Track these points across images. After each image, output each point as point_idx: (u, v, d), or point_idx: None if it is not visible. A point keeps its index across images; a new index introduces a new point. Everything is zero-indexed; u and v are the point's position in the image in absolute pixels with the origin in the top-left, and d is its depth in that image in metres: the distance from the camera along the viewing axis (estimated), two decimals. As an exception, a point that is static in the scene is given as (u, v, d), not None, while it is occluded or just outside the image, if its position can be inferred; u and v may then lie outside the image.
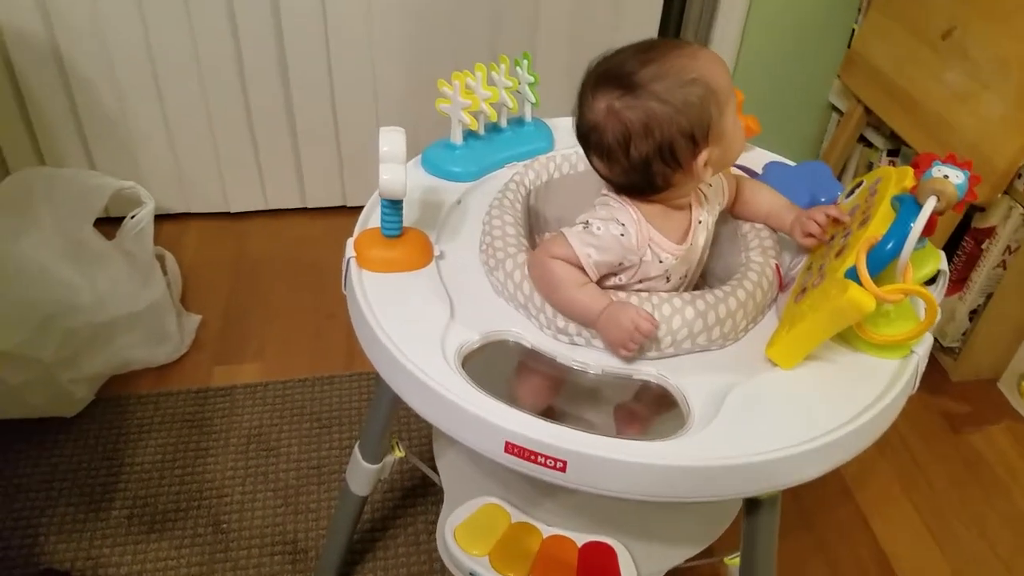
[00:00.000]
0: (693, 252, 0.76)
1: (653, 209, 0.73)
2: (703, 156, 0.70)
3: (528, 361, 0.72)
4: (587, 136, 0.72)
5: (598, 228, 0.71)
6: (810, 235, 0.77)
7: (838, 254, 0.71)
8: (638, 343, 0.67)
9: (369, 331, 0.71)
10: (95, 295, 1.29)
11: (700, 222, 0.76)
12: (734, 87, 0.72)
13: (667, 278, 0.75)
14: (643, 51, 0.70)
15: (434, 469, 1.00)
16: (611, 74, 0.69)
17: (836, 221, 0.76)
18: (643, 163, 0.69)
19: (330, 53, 1.59)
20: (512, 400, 0.64)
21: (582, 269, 0.71)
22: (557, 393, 0.73)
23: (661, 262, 0.73)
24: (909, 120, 1.44)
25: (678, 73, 0.68)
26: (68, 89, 1.55)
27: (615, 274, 0.74)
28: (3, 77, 1.52)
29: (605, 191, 0.75)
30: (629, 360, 0.69)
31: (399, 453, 0.97)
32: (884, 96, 1.51)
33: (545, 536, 0.87)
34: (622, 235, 0.71)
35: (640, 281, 0.75)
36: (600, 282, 0.73)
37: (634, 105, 0.68)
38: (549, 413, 0.64)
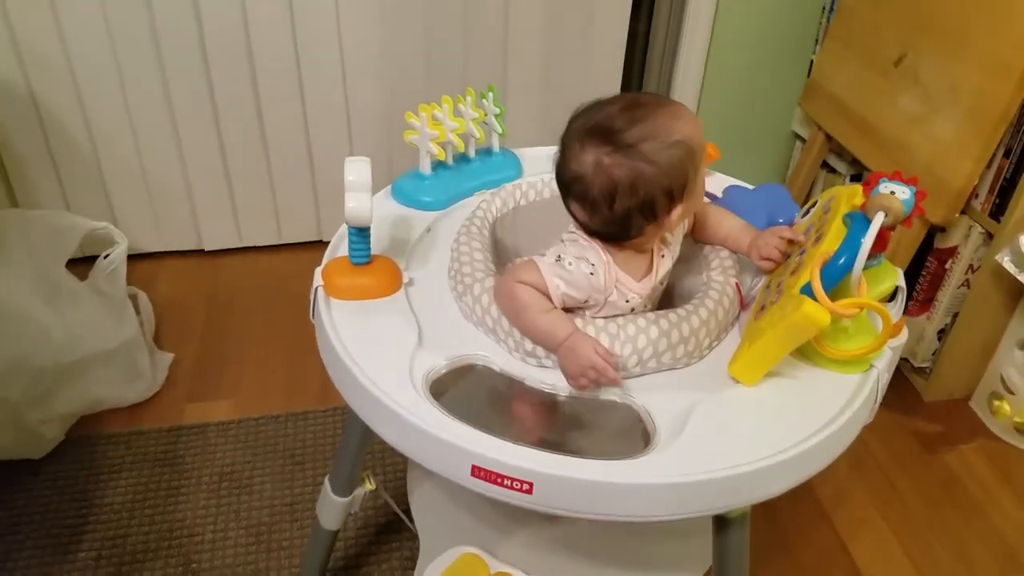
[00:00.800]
0: (656, 287, 0.78)
1: (621, 253, 0.74)
2: (677, 211, 0.72)
3: (496, 384, 0.72)
4: (569, 185, 0.73)
5: (570, 264, 0.72)
6: (767, 259, 0.79)
7: (794, 272, 0.72)
8: (592, 380, 0.68)
9: (335, 358, 0.71)
10: (66, 334, 1.28)
11: (663, 256, 0.77)
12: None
13: (632, 309, 0.76)
14: (630, 108, 0.71)
15: (407, 507, 0.99)
16: (600, 129, 0.70)
17: (791, 242, 0.78)
18: (624, 216, 0.71)
19: (303, 88, 1.61)
20: (481, 423, 0.64)
21: (548, 297, 0.72)
22: (525, 415, 0.73)
23: (627, 301, 0.74)
24: (867, 145, 1.47)
25: (664, 134, 0.69)
26: (42, 130, 1.56)
27: (581, 309, 0.74)
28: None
29: (573, 229, 0.76)
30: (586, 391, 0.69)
31: (370, 486, 0.96)
32: (843, 122, 1.54)
33: (526, 582, 0.86)
34: (591, 274, 0.72)
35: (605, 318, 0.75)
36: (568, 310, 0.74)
37: (623, 163, 0.69)
38: (517, 436, 0.64)
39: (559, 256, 0.73)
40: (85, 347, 1.29)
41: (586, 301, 0.73)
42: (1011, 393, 1.38)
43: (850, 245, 0.68)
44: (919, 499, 1.30)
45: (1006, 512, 1.28)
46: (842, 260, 0.67)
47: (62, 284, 1.34)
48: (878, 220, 0.66)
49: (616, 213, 0.70)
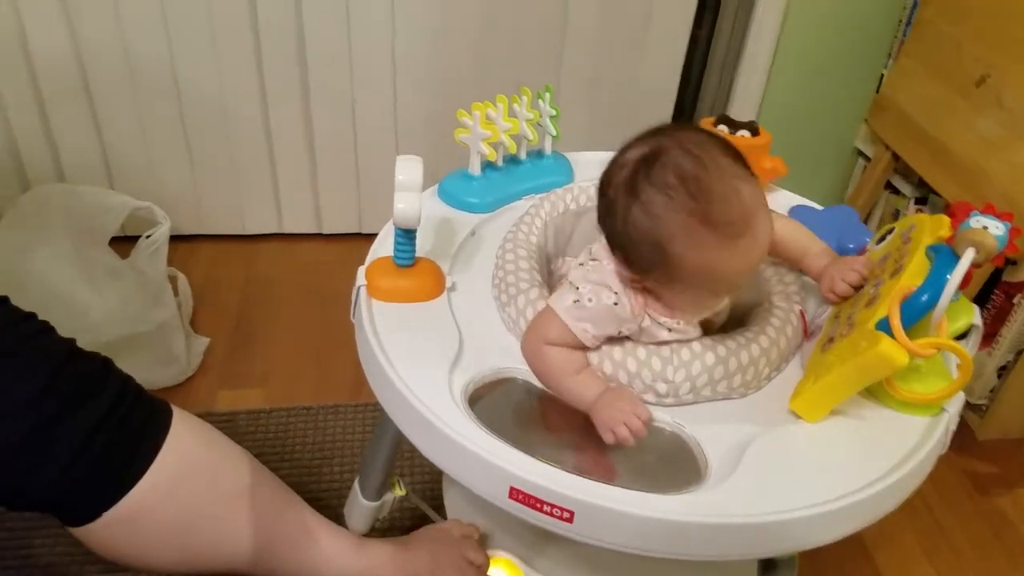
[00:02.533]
0: (709, 323, 0.71)
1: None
2: (634, 278, 0.67)
3: (537, 402, 0.69)
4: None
5: (589, 300, 0.66)
6: (836, 293, 0.73)
7: (868, 304, 0.67)
8: (621, 437, 0.62)
9: (375, 362, 0.68)
10: (104, 313, 1.27)
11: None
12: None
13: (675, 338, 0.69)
14: (692, 181, 0.62)
15: (438, 510, 0.96)
16: (651, 155, 0.64)
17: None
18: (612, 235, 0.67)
19: (353, 79, 1.59)
20: (520, 442, 0.61)
21: (580, 346, 0.67)
22: (565, 437, 0.69)
23: (670, 332, 0.68)
24: (939, 168, 1.41)
25: (657, 229, 0.63)
26: (92, 108, 1.56)
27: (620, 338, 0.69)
28: (29, 94, 1.52)
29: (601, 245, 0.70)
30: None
31: (400, 491, 0.94)
32: (913, 142, 1.48)
33: (552, 591, 0.83)
34: (615, 304, 0.66)
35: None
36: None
37: (618, 196, 0.64)
38: (557, 458, 0.61)
39: (576, 299, 0.66)
40: (123, 327, 1.28)
41: (620, 332, 0.67)
42: (1073, 437, 1.31)
43: (934, 281, 0.62)
44: (967, 542, 1.24)
45: (1061, 562, 1.22)
46: (925, 297, 0.62)
47: (103, 262, 1.33)
48: (968, 256, 0.61)
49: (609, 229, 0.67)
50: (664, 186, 0.62)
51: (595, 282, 0.67)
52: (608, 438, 0.63)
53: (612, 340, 0.68)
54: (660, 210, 0.62)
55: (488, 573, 0.84)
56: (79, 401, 0.64)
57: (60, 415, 0.63)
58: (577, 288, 0.67)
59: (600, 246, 0.70)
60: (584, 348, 0.67)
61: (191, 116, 1.60)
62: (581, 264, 0.71)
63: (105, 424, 0.65)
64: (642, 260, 0.64)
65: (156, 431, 0.70)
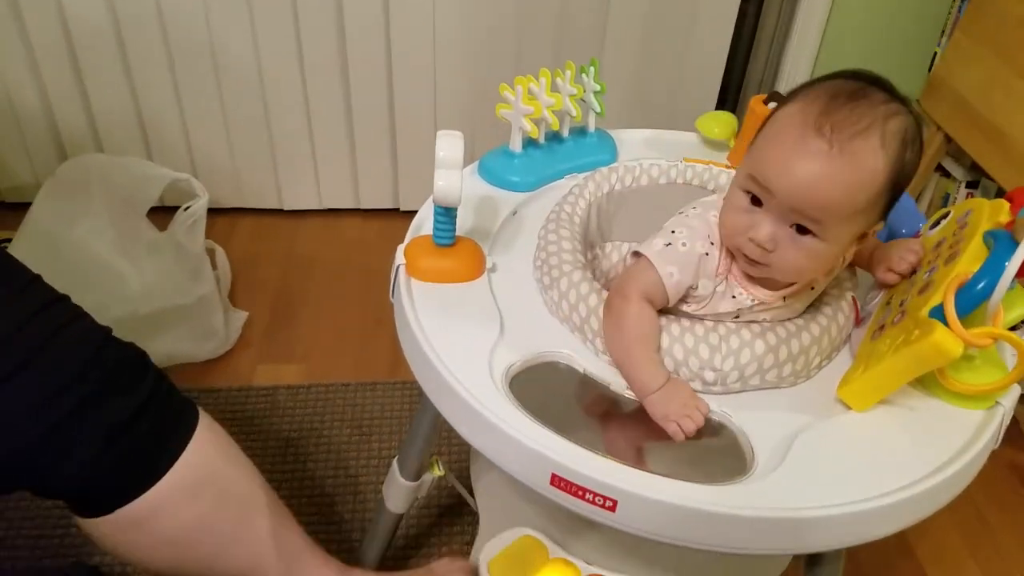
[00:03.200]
0: (784, 309, 0.68)
1: None
2: None
3: (580, 387, 0.68)
4: None
5: (683, 244, 0.65)
6: (894, 271, 0.71)
7: (922, 291, 0.65)
8: (686, 429, 0.61)
9: (414, 343, 0.67)
10: (144, 285, 1.28)
11: (812, 289, 0.69)
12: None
13: (736, 315, 0.68)
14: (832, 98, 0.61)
15: (472, 491, 0.96)
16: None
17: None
18: None
19: (391, 53, 1.58)
20: (562, 428, 0.60)
21: (663, 299, 0.65)
22: (608, 423, 0.68)
23: (734, 297, 0.66)
24: (993, 151, 1.36)
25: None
26: (129, 78, 1.56)
27: (684, 301, 0.68)
28: (67, 65, 1.53)
29: (717, 195, 0.69)
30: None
31: (438, 472, 0.94)
32: (966, 124, 1.43)
33: (584, 575, 0.83)
34: (706, 254, 0.65)
35: (702, 317, 0.69)
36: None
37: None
38: (599, 445, 0.60)
39: (668, 241, 0.66)
40: (161, 300, 1.29)
41: (695, 287, 0.66)
42: None
43: (991, 268, 0.60)
44: (1013, 538, 1.21)
45: (1109, 559, 1.19)
46: (981, 285, 0.60)
47: (142, 234, 1.34)
48: (1027, 245, 0.59)
49: None
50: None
51: (694, 229, 0.66)
52: (672, 429, 0.61)
53: (661, 322, 0.66)
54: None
55: None
56: (110, 394, 0.64)
57: (88, 407, 0.62)
58: (672, 232, 0.67)
59: (705, 202, 0.69)
60: (665, 304, 0.66)
61: (228, 89, 1.60)
62: (681, 213, 0.69)
63: (134, 421, 0.65)
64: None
65: (182, 434, 0.70)
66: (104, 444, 0.63)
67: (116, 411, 0.64)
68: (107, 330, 0.69)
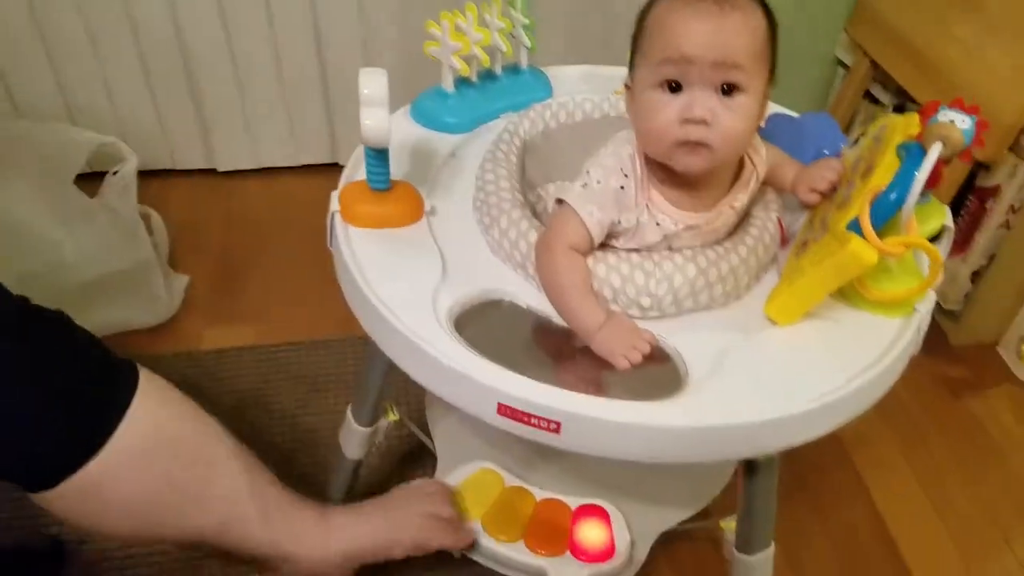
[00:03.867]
0: (709, 233, 0.71)
1: (666, 173, 0.68)
2: (626, 79, 0.68)
3: (523, 322, 0.69)
4: None
5: (597, 182, 0.67)
6: (815, 191, 0.74)
7: (840, 206, 0.68)
8: (636, 360, 0.63)
9: (356, 289, 0.68)
10: (78, 253, 1.25)
11: (733, 207, 0.71)
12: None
13: (669, 247, 0.70)
14: None
15: (429, 434, 0.98)
16: None
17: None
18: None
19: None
20: (506, 360, 0.62)
21: (589, 244, 0.67)
22: (552, 354, 0.71)
23: (658, 224, 0.68)
24: (916, 74, 1.40)
25: None
26: (43, 40, 1.50)
27: (614, 236, 0.70)
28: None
29: (630, 135, 0.70)
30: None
31: (393, 416, 0.95)
32: (892, 50, 1.47)
33: (538, 500, 0.86)
34: (621, 187, 0.67)
35: (638, 249, 0.71)
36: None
37: None
38: (544, 375, 0.62)
39: (584, 183, 0.68)
40: (98, 267, 1.26)
41: (619, 222, 0.68)
42: (1043, 338, 1.35)
43: (904, 179, 0.63)
44: (941, 442, 1.28)
45: (1030, 458, 1.27)
46: (894, 195, 0.63)
47: (72, 201, 1.30)
48: (935, 151, 0.61)
49: None
50: None
51: (607, 167, 0.68)
52: (620, 363, 0.63)
53: (597, 254, 0.68)
54: None
55: (463, 525, 0.85)
56: (36, 364, 0.61)
57: (14, 380, 0.60)
58: (588, 172, 0.68)
59: (617, 138, 0.70)
60: (592, 245, 0.67)
61: (148, 46, 1.54)
62: (593, 156, 0.71)
63: (67, 387, 0.62)
64: (636, 30, 0.67)
65: (121, 397, 0.67)
66: (35, 415, 0.61)
67: (45, 381, 0.61)
68: (22, 298, 0.66)
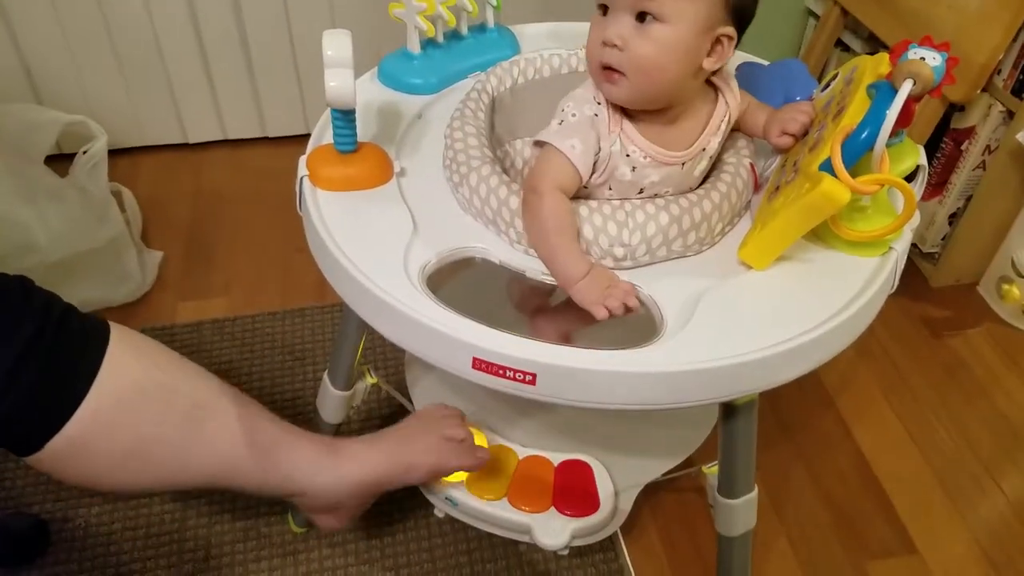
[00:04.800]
0: (683, 176, 0.70)
1: (640, 114, 0.68)
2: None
3: (496, 277, 0.69)
4: None
5: (573, 115, 0.67)
6: (787, 134, 0.73)
7: (812, 148, 0.68)
8: (614, 307, 0.62)
9: (326, 251, 0.67)
10: (50, 234, 1.23)
11: (704, 150, 0.71)
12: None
13: (640, 190, 0.70)
14: None
15: (408, 397, 0.98)
16: None
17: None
18: None
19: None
20: (479, 317, 0.61)
21: (575, 179, 0.66)
22: (527, 308, 0.70)
23: (628, 156, 0.68)
24: (886, 17, 1.39)
25: None
26: (7, 20, 1.46)
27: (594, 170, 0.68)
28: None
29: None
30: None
31: (371, 380, 0.95)
32: (861, -5, 1.45)
33: (521, 457, 0.86)
34: (595, 115, 0.67)
35: (609, 188, 0.70)
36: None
37: None
38: (519, 329, 0.61)
39: (560, 120, 0.67)
40: (69, 247, 1.25)
41: (598, 152, 0.67)
42: (1021, 277, 1.35)
43: (874, 117, 0.62)
44: (924, 383, 1.30)
45: (1011, 395, 1.28)
46: (865, 134, 0.62)
47: (41, 182, 1.28)
48: (905, 88, 0.61)
49: None
50: None
51: (578, 98, 0.68)
52: (600, 312, 0.62)
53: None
54: None
55: (477, 447, 0.85)
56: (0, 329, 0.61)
57: None
58: (562, 110, 0.68)
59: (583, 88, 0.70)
60: (578, 180, 0.66)
61: (114, 22, 1.51)
62: (567, 95, 0.70)
63: (32, 350, 0.62)
64: None
65: (92, 354, 0.66)
66: (5, 381, 0.61)
67: (10, 344, 0.61)
68: None
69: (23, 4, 1.45)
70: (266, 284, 1.41)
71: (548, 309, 0.70)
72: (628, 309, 0.63)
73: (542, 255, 0.66)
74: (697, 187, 0.71)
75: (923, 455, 1.19)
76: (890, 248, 0.69)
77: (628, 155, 0.68)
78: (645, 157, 0.68)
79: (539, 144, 0.68)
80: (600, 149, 0.67)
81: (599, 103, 0.67)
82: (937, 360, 1.34)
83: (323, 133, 0.79)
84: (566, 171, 0.66)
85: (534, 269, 0.67)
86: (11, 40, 1.49)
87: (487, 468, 0.85)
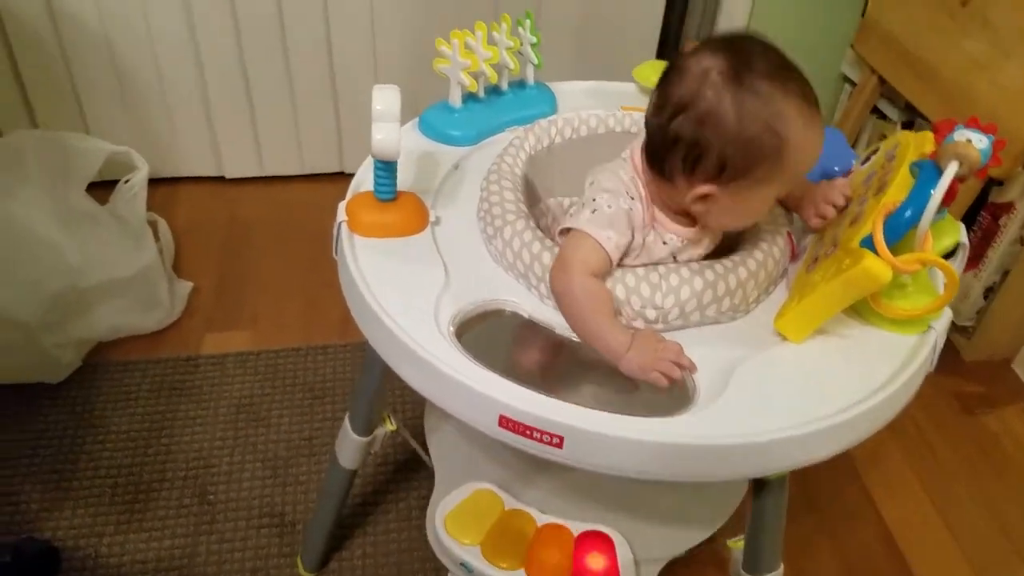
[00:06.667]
0: (714, 235, 0.71)
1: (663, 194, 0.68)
2: (706, 190, 0.64)
3: (525, 332, 0.68)
4: (668, 71, 0.66)
5: (608, 206, 0.66)
6: (822, 216, 0.72)
7: (852, 222, 0.67)
8: (666, 370, 0.61)
9: (359, 297, 0.67)
10: (84, 258, 1.25)
11: None
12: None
13: (674, 258, 0.70)
14: (785, 69, 0.64)
15: (425, 444, 0.97)
16: (741, 52, 0.63)
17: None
18: (670, 140, 0.64)
19: (328, 11, 1.54)
20: (509, 372, 0.60)
21: (607, 265, 0.66)
22: (555, 366, 0.69)
23: (665, 243, 0.68)
24: (925, 90, 1.39)
25: (778, 116, 0.61)
26: (62, 50, 1.51)
27: (624, 255, 0.68)
28: (-3, 41, 1.47)
29: (625, 156, 0.70)
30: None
31: (391, 426, 0.94)
32: (899, 65, 1.45)
33: (539, 524, 0.83)
34: (630, 209, 0.67)
35: (645, 265, 0.70)
36: None
37: (719, 90, 0.62)
38: (546, 387, 0.60)
39: (593, 209, 0.66)
40: (103, 272, 1.26)
41: (631, 241, 0.67)
42: (1057, 356, 1.33)
43: (917, 196, 0.62)
44: (955, 459, 1.26)
45: (1044, 477, 1.25)
46: (908, 212, 0.62)
47: (81, 208, 1.31)
48: (951, 169, 0.60)
49: (669, 129, 0.64)
50: (767, 74, 0.62)
51: (612, 190, 0.68)
52: (655, 378, 0.61)
53: None
54: (774, 92, 0.62)
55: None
56: None
57: None
58: (593, 199, 0.67)
59: (614, 165, 0.70)
60: (608, 267, 0.66)
61: (163, 57, 1.55)
62: (591, 183, 0.70)
63: None
64: (753, 159, 0.62)
65: None
66: None
67: None
68: None
69: (78, 36, 1.50)
70: (291, 318, 1.41)
71: (577, 367, 0.69)
72: (682, 368, 0.62)
73: (581, 335, 0.65)
74: (733, 252, 0.71)
75: (951, 533, 1.16)
76: (929, 327, 0.67)
77: (665, 242, 0.69)
78: (682, 240, 0.69)
79: (565, 231, 0.68)
80: (633, 239, 0.67)
81: (632, 197, 0.68)
82: (968, 436, 1.31)
83: (363, 181, 0.80)
84: (598, 256, 0.65)
85: (563, 325, 0.67)
86: (66, 72, 1.53)
87: (504, 534, 0.82)
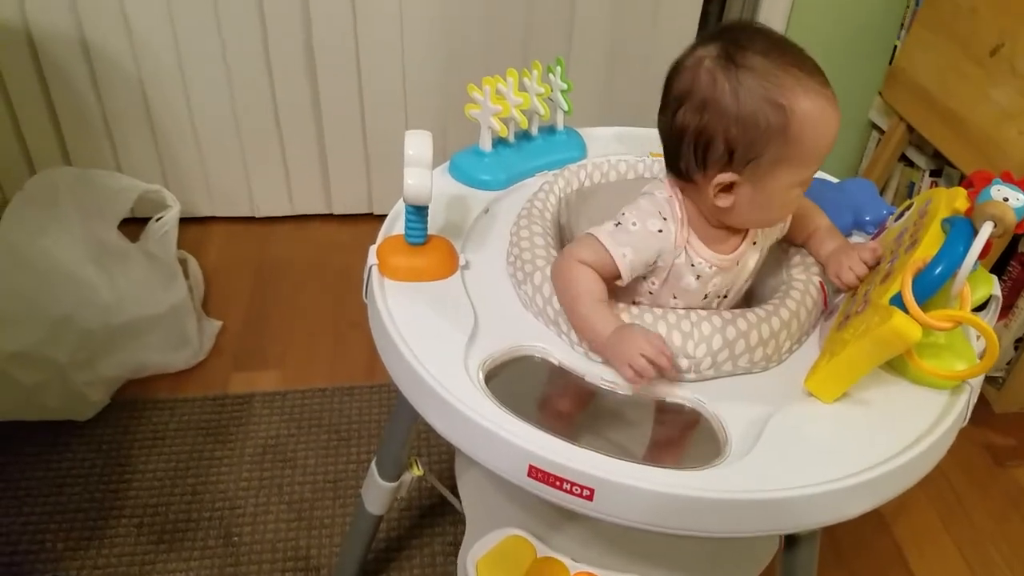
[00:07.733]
0: (738, 272, 0.71)
1: (702, 218, 0.69)
2: (725, 178, 0.64)
3: (555, 379, 0.68)
4: (669, 72, 0.67)
5: (633, 224, 0.67)
6: (846, 284, 0.72)
7: (884, 279, 0.66)
8: (640, 368, 0.61)
9: (389, 341, 0.68)
10: (115, 296, 1.27)
11: (755, 243, 0.71)
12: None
13: (705, 296, 0.70)
14: (780, 45, 0.64)
15: (454, 490, 0.96)
16: (732, 37, 0.64)
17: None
18: (677, 135, 0.65)
19: (359, 56, 1.57)
20: (538, 420, 0.60)
21: (612, 274, 0.67)
22: (584, 414, 0.69)
23: (693, 265, 0.69)
24: (954, 138, 1.39)
25: (776, 88, 0.61)
26: (96, 89, 1.55)
27: (646, 277, 0.70)
28: (31, 76, 1.51)
29: (662, 176, 0.71)
30: (643, 386, 0.63)
31: (418, 472, 0.94)
32: (928, 114, 1.46)
33: (572, 573, 0.83)
34: (660, 231, 0.67)
35: (674, 296, 0.71)
36: (632, 285, 0.70)
37: (714, 76, 0.62)
38: (575, 436, 0.60)
39: (618, 222, 0.68)
40: (133, 310, 1.28)
41: (655, 262, 0.68)
42: (1092, 409, 1.30)
43: (949, 253, 0.61)
44: (985, 513, 1.24)
45: (1078, 533, 1.21)
46: (939, 269, 0.61)
47: (113, 246, 1.33)
48: (986, 230, 0.60)
49: (674, 125, 0.65)
50: (763, 50, 0.62)
51: (643, 210, 0.68)
52: (627, 373, 0.62)
53: (633, 311, 0.67)
54: (769, 66, 0.62)
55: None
56: None
57: None
58: (622, 214, 0.68)
59: (653, 183, 0.71)
60: (615, 278, 0.67)
61: (196, 97, 1.59)
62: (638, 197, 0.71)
63: None
64: (758, 136, 0.62)
65: None
66: None
67: None
68: None
69: (111, 75, 1.53)
70: (318, 358, 1.42)
71: (606, 415, 0.69)
72: (659, 369, 0.61)
73: (571, 321, 0.67)
74: (765, 301, 0.71)
75: (984, 592, 1.13)
76: (963, 382, 0.67)
77: (693, 264, 0.69)
78: (711, 267, 0.69)
79: (587, 235, 0.69)
80: (660, 259, 0.68)
81: (665, 219, 0.68)
82: (999, 489, 1.28)
83: (394, 224, 0.81)
84: (604, 262, 0.67)
85: (593, 374, 0.67)
86: (100, 111, 1.57)
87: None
